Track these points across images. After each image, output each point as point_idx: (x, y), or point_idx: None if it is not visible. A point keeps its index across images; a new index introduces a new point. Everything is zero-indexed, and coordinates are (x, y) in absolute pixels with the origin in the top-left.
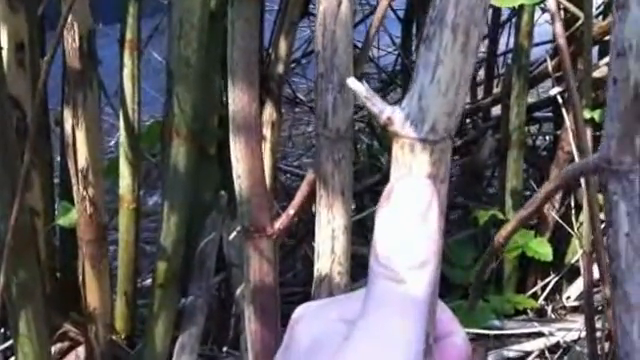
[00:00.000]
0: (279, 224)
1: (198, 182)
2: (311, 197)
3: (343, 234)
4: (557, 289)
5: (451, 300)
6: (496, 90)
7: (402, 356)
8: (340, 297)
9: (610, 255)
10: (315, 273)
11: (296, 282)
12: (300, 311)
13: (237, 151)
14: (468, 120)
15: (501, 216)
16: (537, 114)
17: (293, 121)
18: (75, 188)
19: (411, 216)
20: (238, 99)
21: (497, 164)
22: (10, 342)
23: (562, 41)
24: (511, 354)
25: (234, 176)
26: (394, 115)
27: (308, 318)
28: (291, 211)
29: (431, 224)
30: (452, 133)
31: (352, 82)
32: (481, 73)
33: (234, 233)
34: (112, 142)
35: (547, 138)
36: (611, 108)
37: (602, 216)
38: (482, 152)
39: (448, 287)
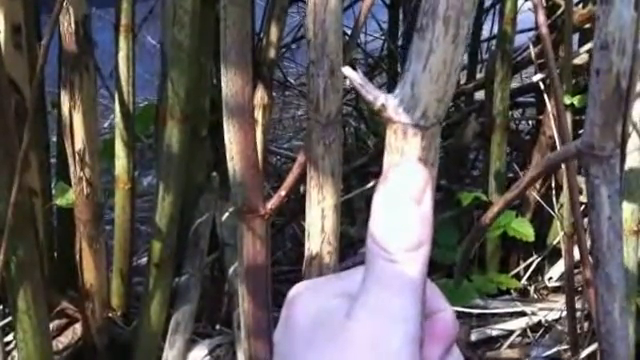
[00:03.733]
0: (271, 204)
1: (190, 163)
2: (302, 178)
3: (333, 214)
4: (539, 270)
5: (435, 279)
6: (479, 75)
7: (403, 333)
8: (332, 276)
9: (592, 237)
10: (306, 252)
11: (285, 261)
12: (296, 290)
13: (230, 133)
14: (451, 104)
15: (484, 198)
16: (520, 99)
17: (283, 104)
18: (72, 169)
19: (407, 200)
20: (231, 83)
21: (481, 147)
22: (9, 319)
23: (544, 30)
24: (494, 333)
25: (227, 158)
26: (387, 102)
27: (305, 296)
28: (283, 192)
29: (425, 207)
30: (441, 119)
31: (347, 70)
32: (464, 58)
33: (226, 214)
34: (106, 124)
35: (530, 123)
36: (594, 97)
37: (582, 199)
38: (465, 135)
39: (431, 266)
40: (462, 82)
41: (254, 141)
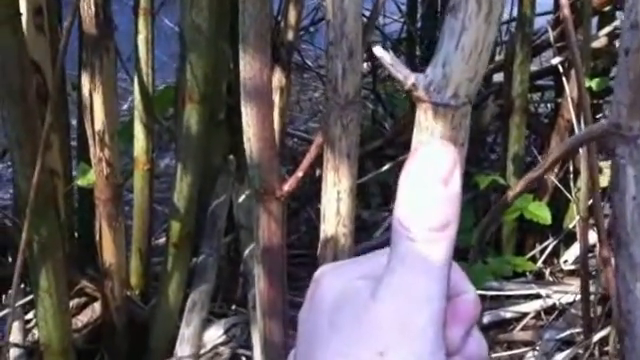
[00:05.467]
0: (288, 186)
1: (208, 146)
2: (318, 160)
3: (348, 196)
4: (555, 253)
5: (471, 264)
6: (499, 57)
7: (428, 311)
8: (359, 258)
9: (615, 217)
10: (321, 234)
11: (300, 244)
12: (321, 271)
13: (248, 116)
14: None
15: (502, 181)
16: (540, 82)
17: (301, 87)
18: (92, 150)
19: (434, 179)
20: (249, 66)
21: (499, 130)
22: (31, 297)
23: (566, 11)
24: (508, 315)
25: (245, 140)
26: (418, 81)
27: (330, 277)
28: (300, 174)
29: (453, 188)
30: (472, 98)
31: (378, 50)
32: None
33: (243, 196)
34: (125, 106)
35: (549, 106)
36: (621, 77)
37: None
38: (484, 117)
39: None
40: None
41: (271, 124)
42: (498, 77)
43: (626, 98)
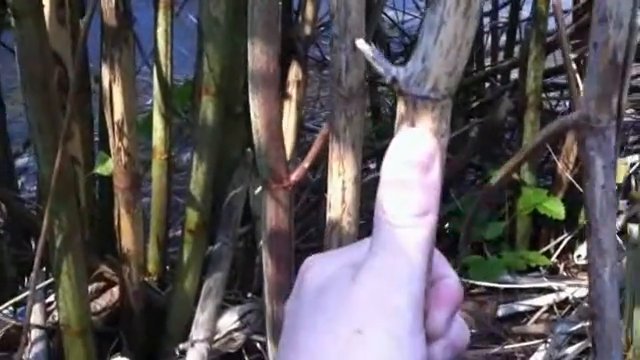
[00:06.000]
0: (295, 176)
1: (226, 139)
2: (326, 151)
3: (353, 185)
4: (569, 248)
5: (465, 255)
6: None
7: (407, 292)
8: (344, 248)
9: (586, 205)
10: (327, 222)
11: (319, 237)
12: (309, 260)
13: (256, 107)
14: (486, 82)
15: (516, 177)
16: (557, 80)
17: (321, 83)
18: (111, 140)
19: (414, 167)
20: (257, 58)
21: (515, 126)
22: (51, 280)
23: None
24: (521, 308)
25: (253, 131)
26: (399, 75)
27: (317, 265)
28: (306, 164)
29: (433, 175)
30: (453, 92)
31: (360, 43)
32: (503, 37)
33: (259, 188)
34: (150, 100)
35: (566, 104)
36: (591, 70)
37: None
38: (498, 113)
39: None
40: (499, 60)
41: (279, 115)
42: (516, 74)
43: (594, 90)
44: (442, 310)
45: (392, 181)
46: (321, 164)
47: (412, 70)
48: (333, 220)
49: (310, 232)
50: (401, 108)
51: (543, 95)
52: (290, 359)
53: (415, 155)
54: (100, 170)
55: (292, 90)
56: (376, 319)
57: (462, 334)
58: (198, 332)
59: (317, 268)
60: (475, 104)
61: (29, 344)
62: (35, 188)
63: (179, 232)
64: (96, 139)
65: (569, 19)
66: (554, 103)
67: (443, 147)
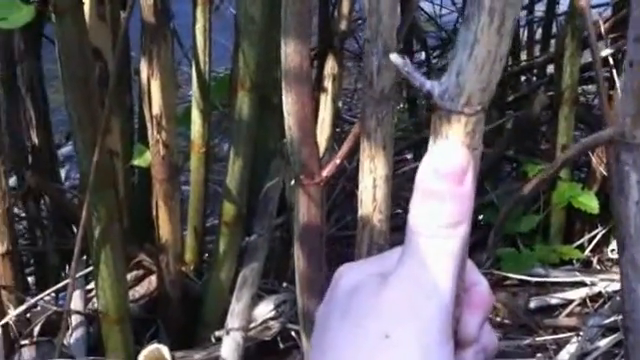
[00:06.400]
0: (326, 171)
1: (262, 131)
2: (357, 148)
3: (384, 184)
4: (603, 241)
5: (499, 248)
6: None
7: (436, 301)
8: (378, 256)
9: (619, 221)
10: (358, 219)
11: (355, 226)
12: (342, 268)
13: (289, 105)
14: (522, 77)
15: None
16: (593, 74)
17: (358, 75)
18: (150, 132)
19: (448, 178)
20: (290, 56)
21: (550, 121)
22: (91, 268)
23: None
24: (553, 301)
25: (285, 127)
26: (433, 89)
27: (349, 272)
28: (338, 160)
29: (466, 187)
30: (486, 106)
31: (395, 57)
32: (538, 32)
33: (293, 181)
34: (190, 92)
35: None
36: (626, 87)
37: None
38: (534, 107)
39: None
40: (535, 55)
41: (312, 112)
42: (552, 69)
43: (630, 108)
44: (475, 316)
45: (425, 192)
46: (356, 154)
47: (446, 85)
48: (364, 218)
49: (346, 220)
50: (435, 121)
51: (579, 90)
52: (318, 358)
53: (448, 167)
54: (137, 162)
55: (328, 83)
56: (404, 325)
57: (492, 340)
58: (234, 320)
59: (348, 276)
60: (511, 98)
61: (70, 329)
62: (79, 176)
63: (217, 222)
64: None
65: (608, 12)
66: (590, 97)
67: (476, 160)
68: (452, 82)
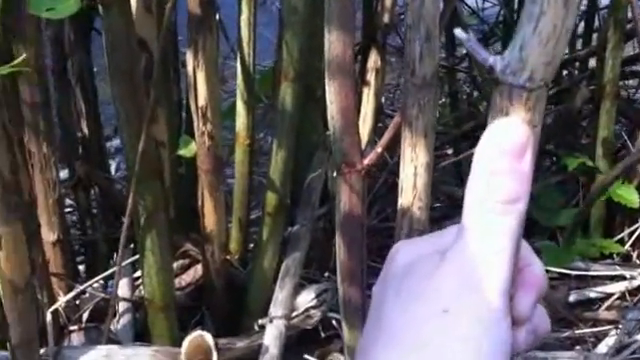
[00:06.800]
0: (368, 160)
1: (306, 122)
2: (399, 138)
3: (425, 172)
4: None
5: (537, 241)
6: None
7: (494, 278)
8: (434, 233)
9: None
10: (398, 207)
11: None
12: (398, 245)
13: (332, 94)
14: (564, 70)
15: (590, 164)
16: (637, 68)
17: (401, 70)
18: (195, 124)
19: (507, 155)
20: (333, 46)
21: (591, 114)
22: (137, 257)
23: None
24: (592, 294)
25: (328, 117)
26: (496, 63)
27: (405, 249)
28: (379, 149)
29: (525, 164)
30: (549, 82)
31: (459, 32)
32: (581, 25)
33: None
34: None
35: None
36: None
37: None
38: (575, 101)
39: (535, 229)
40: (577, 49)
41: (354, 102)
42: (594, 62)
43: None
44: (528, 295)
45: (484, 168)
46: (399, 146)
47: (509, 59)
48: (404, 205)
49: (388, 212)
50: (496, 97)
51: (621, 83)
52: (373, 335)
53: (508, 143)
54: (183, 152)
55: (371, 77)
56: (463, 300)
57: (544, 321)
58: (277, 309)
59: (405, 252)
60: (552, 91)
61: (117, 316)
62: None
63: (261, 213)
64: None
65: None
66: (632, 92)
67: (536, 137)
68: (515, 56)
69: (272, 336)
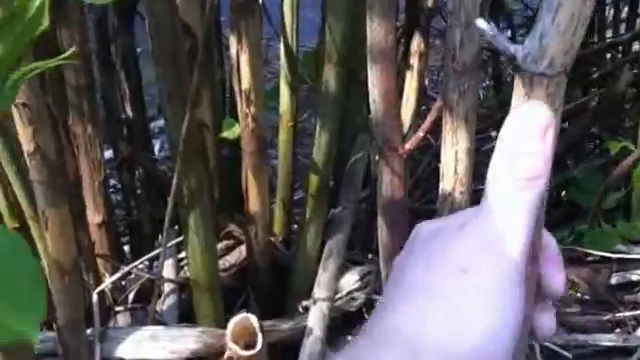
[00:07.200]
0: (409, 144)
1: (349, 105)
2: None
3: (466, 157)
4: None
5: (579, 224)
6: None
7: (512, 244)
8: (456, 213)
9: None
10: (439, 192)
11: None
12: (421, 224)
13: (374, 78)
14: (607, 54)
15: (632, 147)
16: None
17: (445, 53)
18: (239, 106)
19: (529, 135)
20: (375, 31)
21: (634, 98)
22: (181, 238)
23: None
24: (634, 277)
25: (370, 100)
26: (517, 52)
27: (427, 225)
28: (421, 133)
29: (547, 144)
30: (568, 69)
31: (479, 22)
32: (625, 10)
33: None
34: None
35: None
36: None
37: None
38: (618, 85)
39: (577, 211)
40: (620, 33)
41: (395, 85)
42: (637, 46)
43: None
44: (559, 271)
45: (507, 147)
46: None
47: (530, 48)
48: (446, 191)
49: (430, 196)
50: (518, 84)
51: None
52: (393, 291)
53: (530, 124)
54: (226, 135)
55: (414, 61)
56: (480, 261)
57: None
58: (320, 291)
59: (427, 227)
60: (595, 75)
61: (162, 297)
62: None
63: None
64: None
65: None
66: None
67: (557, 122)
68: (535, 45)
69: (316, 318)
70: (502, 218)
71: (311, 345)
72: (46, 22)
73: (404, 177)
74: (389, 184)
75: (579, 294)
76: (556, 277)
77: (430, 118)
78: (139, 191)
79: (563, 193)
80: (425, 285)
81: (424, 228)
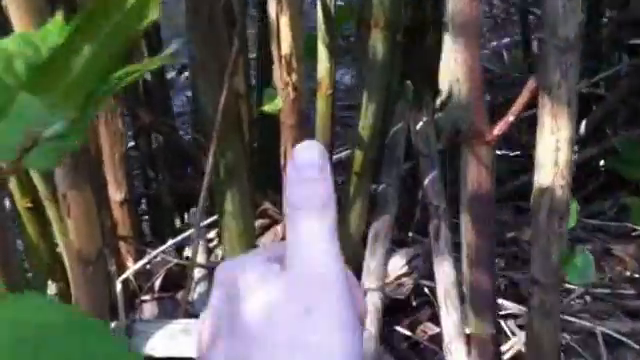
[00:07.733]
0: (497, 130)
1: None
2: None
3: (567, 145)
4: None
5: (623, 196)
6: None
7: (335, 271)
8: (257, 249)
9: None
10: (534, 185)
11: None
12: (225, 264)
13: (457, 53)
14: None
15: None
16: None
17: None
18: (278, 74)
19: (313, 167)
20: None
21: None
22: (214, 217)
23: None
24: None
25: (451, 78)
26: None
27: (241, 269)
28: (511, 117)
29: (327, 172)
30: None
31: None
32: None
33: (420, 123)
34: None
35: None
36: None
37: None
38: None
39: (620, 183)
40: None
41: (479, 63)
42: None
43: None
44: (360, 290)
45: (297, 180)
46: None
47: None
48: (543, 183)
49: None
50: None
51: None
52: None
53: (308, 163)
54: (268, 108)
55: None
56: (319, 299)
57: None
58: (370, 280)
59: (245, 271)
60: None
61: (192, 284)
62: (180, 103)
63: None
64: None
65: None
66: None
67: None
68: None
69: (367, 311)
70: (313, 252)
71: (364, 343)
72: (155, 13)
73: (492, 168)
74: (476, 177)
75: (628, 272)
76: (362, 301)
77: (521, 100)
78: (157, 161)
79: (601, 162)
80: (273, 335)
81: (241, 274)
